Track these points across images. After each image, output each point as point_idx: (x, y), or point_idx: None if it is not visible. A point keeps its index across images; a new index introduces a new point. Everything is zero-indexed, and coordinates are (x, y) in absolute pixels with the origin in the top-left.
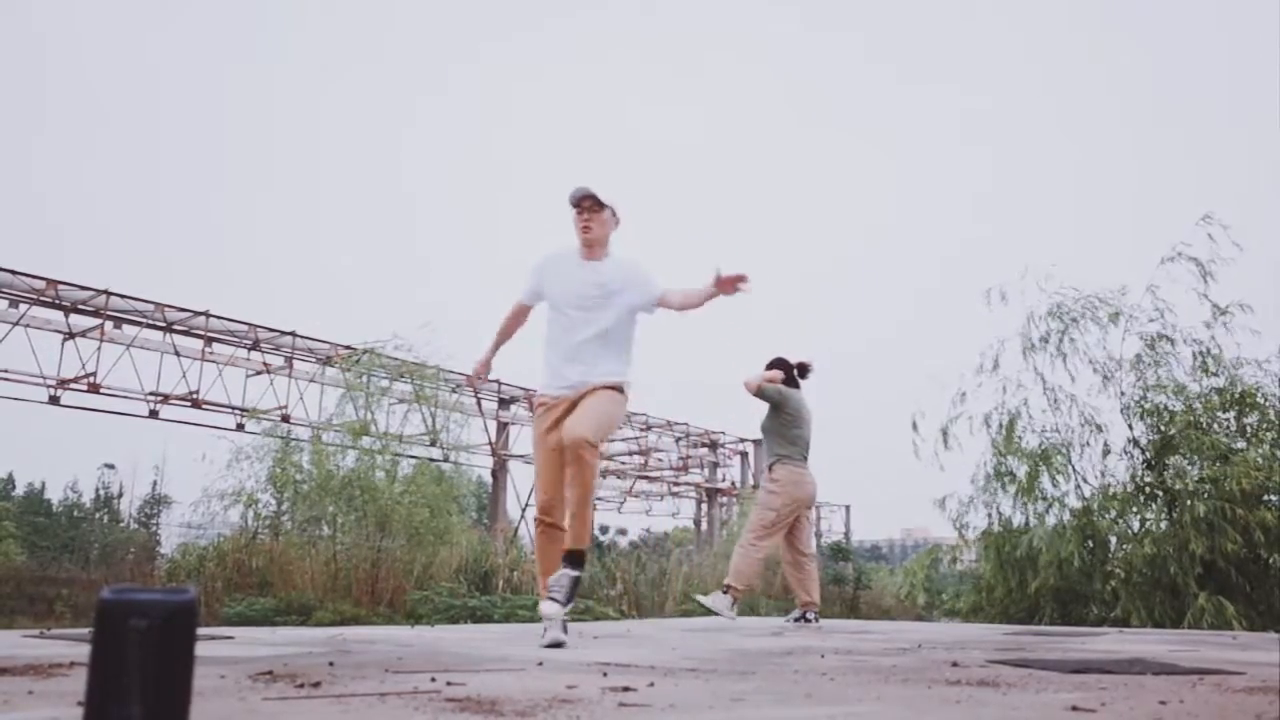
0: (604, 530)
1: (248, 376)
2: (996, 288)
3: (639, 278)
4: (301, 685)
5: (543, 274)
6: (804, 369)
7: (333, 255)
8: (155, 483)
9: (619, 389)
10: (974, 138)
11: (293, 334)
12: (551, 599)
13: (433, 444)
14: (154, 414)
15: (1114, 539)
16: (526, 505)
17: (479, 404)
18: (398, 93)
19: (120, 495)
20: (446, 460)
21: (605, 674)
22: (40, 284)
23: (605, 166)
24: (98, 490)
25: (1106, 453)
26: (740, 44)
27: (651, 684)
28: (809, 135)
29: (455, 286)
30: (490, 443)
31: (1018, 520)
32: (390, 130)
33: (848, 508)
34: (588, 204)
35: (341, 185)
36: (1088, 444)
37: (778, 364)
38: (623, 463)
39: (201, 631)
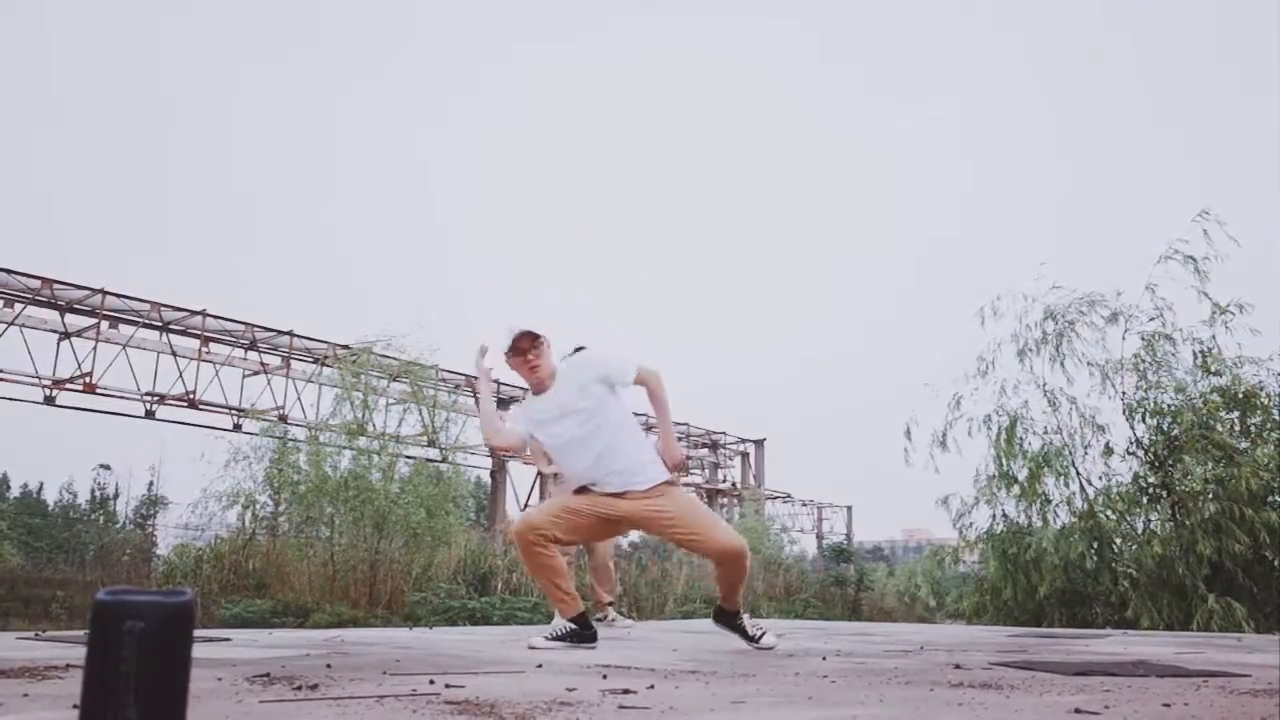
0: None
1: (245, 376)
2: (990, 303)
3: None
4: (299, 688)
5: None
6: None
7: (347, 255)
8: (151, 483)
9: None
10: (968, 137)
11: (290, 334)
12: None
13: (430, 444)
14: (150, 414)
15: (1119, 540)
16: (526, 506)
17: (478, 404)
18: (414, 93)
19: (116, 496)
20: (444, 461)
21: (605, 676)
22: (36, 283)
23: (606, 170)
24: (93, 491)
25: (1109, 454)
26: (731, 46)
27: (651, 686)
28: (807, 134)
29: (469, 285)
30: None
31: (1021, 522)
32: (407, 132)
33: (849, 508)
34: (526, 344)
35: (356, 184)
36: (1089, 445)
37: None
38: None
39: (198, 633)
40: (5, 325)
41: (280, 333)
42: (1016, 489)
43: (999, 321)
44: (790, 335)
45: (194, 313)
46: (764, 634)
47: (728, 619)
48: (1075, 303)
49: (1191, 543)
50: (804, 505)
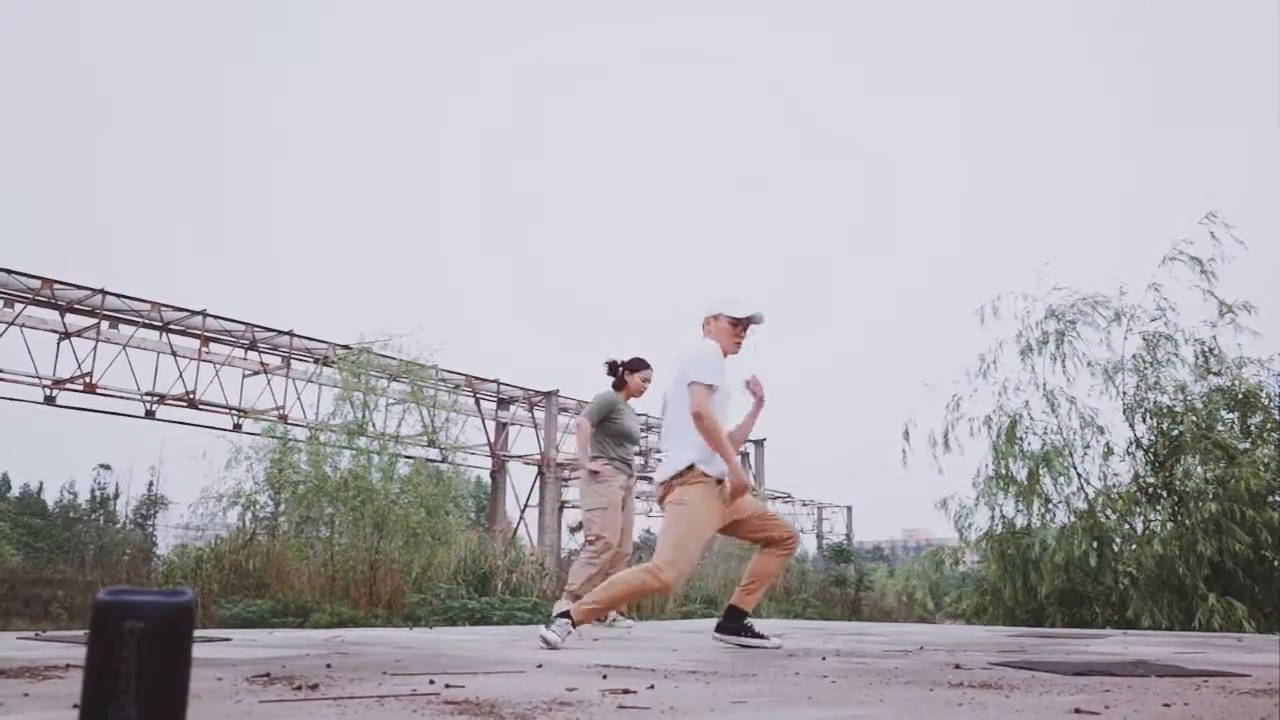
0: None
1: (245, 376)
2: (989, 303)
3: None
4: (299, 687)
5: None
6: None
7: (347, 255)
8: (151, 483)
9: None
10: (969, 137)
11: (290, 333)
12: None
13: (430, 444)
14: (150, 414)
15: (1119, 540)
16: (526, 505)
17: (478, 405)
18: (414, 91)
19: (116, 496)
20: (444, 461)
21: (605, 676)
22: (36, 283)
23: (608, 167)
24: (94, 491)
25: (1109, 454)
26: (732, 48)
27: (651, 686)
28: (807, 136)
29: (470, 286)
30: (489, 443)
31: (1020, 522)
32: (405, 129)
33: (849, 509)
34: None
35: (356, 184)
36: (1089, 446)
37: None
38: None
39: (198, 633)
40: (5, 325)
41: (280, 333)
42: (1015, 489)
43: (999, 321)
44: (790, 335)
45: (194, 313)
46: (768, 636)
47: (738, 620)
48: (1077, 302)
49: (1192, 542)
50: (804, 505)
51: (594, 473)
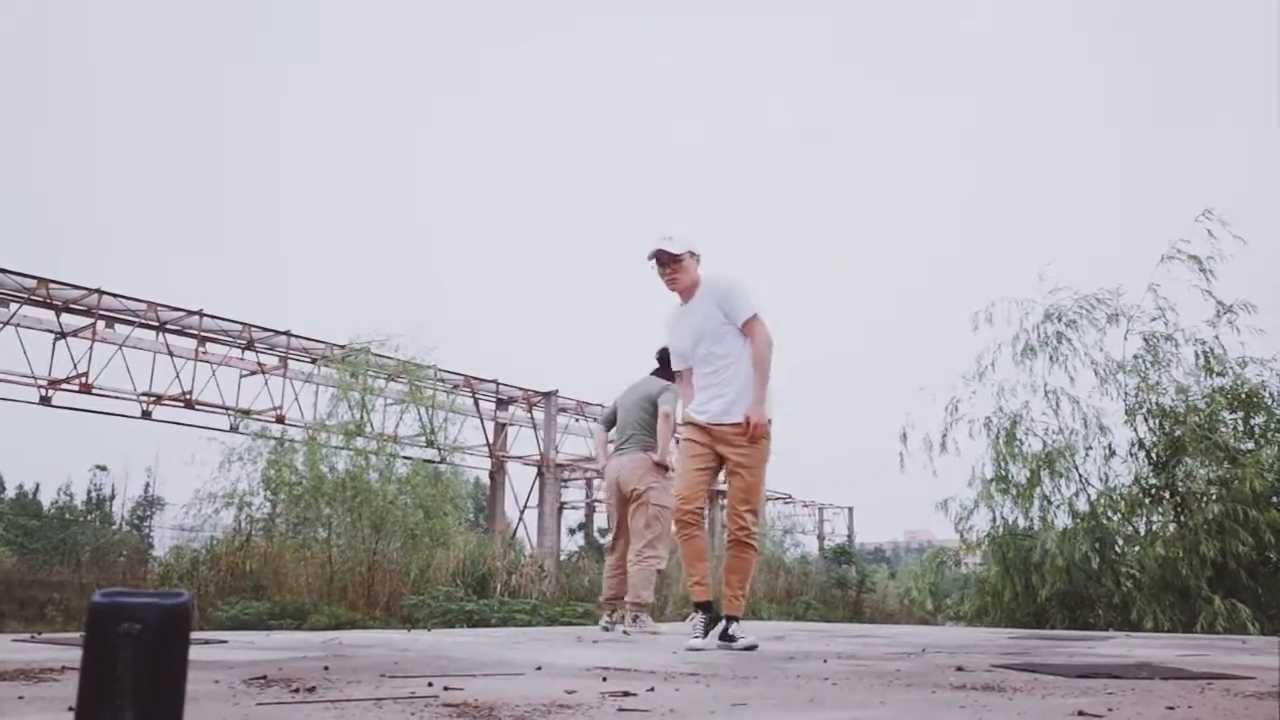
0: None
1: (242, 377)
2: (983, 310)
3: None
4: (296, 690)
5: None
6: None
7: (345, 255)
8: (148, 485)
9: (765, 433)
10: (973, 139)
11: (287, 333)
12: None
13: (429, 445)
14: (147, 415)
15: (1121, 542)
16: (525, 507)
17: (476, 405)
18: (411, 91)
19: (112, 497)
20: (442, 461)
21: (605, 679)
22: (31, 282)
23: (606, 167)
24: (89, 492)
25: (1110, 455)
26: (731, 49)
27: (651, 689)
28: (807, 137)
29: (469, 286)
30: (488, 444)
31: (1021, 524)
32: (403, 129)
33: (851, 510)
34: (665, 259)
35: (354, 184)
36: (1090, 447)
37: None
38: None
39: (195, 635)
40: (1, 325)
41: (278, 333)
42: (1014, 491)
43: (992, 328)
44: (790, 335)
45: (191, 312)
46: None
47: (725, 625)
48: (1076, 303)
49: (1194, 544)
50: (805, 507)
51: (666, 468)
